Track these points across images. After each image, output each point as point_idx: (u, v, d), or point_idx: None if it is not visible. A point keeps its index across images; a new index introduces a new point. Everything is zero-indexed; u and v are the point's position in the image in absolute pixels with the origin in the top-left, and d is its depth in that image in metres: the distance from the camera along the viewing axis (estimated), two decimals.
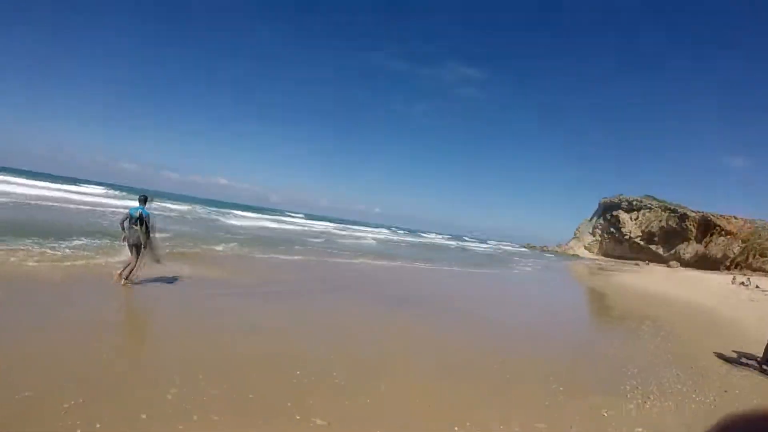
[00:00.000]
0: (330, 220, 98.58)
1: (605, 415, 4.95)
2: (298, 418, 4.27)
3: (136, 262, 9.23)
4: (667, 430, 4.84)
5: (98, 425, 3.75)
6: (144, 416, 4.00)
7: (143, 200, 9.50)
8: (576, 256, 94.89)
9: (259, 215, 61.60)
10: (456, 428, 4.28)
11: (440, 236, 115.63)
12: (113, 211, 26.31)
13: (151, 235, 9.48)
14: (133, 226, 9.18)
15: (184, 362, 5.42)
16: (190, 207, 46.71)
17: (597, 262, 77.53)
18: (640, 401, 5.52)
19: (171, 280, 10.15)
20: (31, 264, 9.60)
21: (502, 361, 6.78)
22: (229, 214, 49.73)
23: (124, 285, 8.83)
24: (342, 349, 6.62)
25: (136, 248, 9.21)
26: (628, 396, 5.69)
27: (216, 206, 69.88)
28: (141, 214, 9.21)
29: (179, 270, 11.20)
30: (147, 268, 9.72)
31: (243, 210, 71.42)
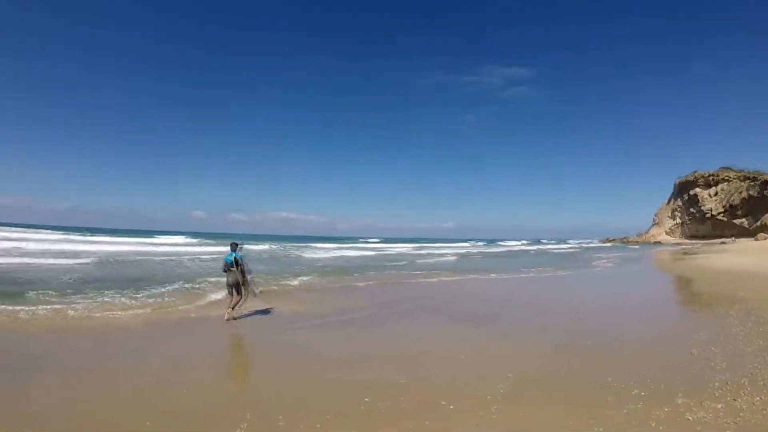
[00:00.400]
0: (406, 241, 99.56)
1: (690, 418, 4.47)
2: None
3: (239, 299, 10.58)
4: (760, 430, 4.32)
5: None
6: None
7: (234, 246, 10.98)
8: (658, 243, 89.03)
9: (336, 245, 63.39)
10: None
11: (519, 242, 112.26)
12: (190, 259, 28.54)
13: (246, 274, 10.82)
14: (231, 269, 10.55)
15: (256, 396, 5.66)
16: (267, 246, 48.36)
17: (681, 246, 72.25)
18: (729, 399, 4.92)
19: (249, 317, 10.81)
20: (115, 314, 10.51)
21: (580, 370, 6.35)
22: (306, 247, 51.23)
23: (228, 321, 10.11)
24: (411, 372, 6.50)
25: (235, 288, 10.55)
26: (716, 394, 5.07)
27: (290, 241, 73.33)
28: (235, 259, 10.60)
29: (258, 306, 11.83)
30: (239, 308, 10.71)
31: (317, 242, 74.34)
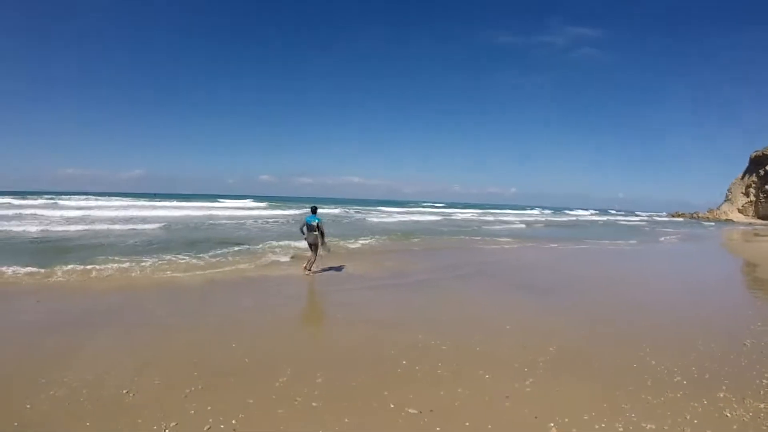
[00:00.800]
0: (471, 207, 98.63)
1: (728, 415, 4.27)
2: (392, 406, 4.42)
3: (314, 257, 11.72)
4: None
5: (209, 408, 4.34)
6: (251, 401, 4.51)
7: (314, 210, 12.00)
8: (730, 221, 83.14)
9: (402, 209, 63.79)
10: (551, 425, 4.08)
11: (587, 212, 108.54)
12: (254, 221, 30.38)
13: (324, 234, 11.91)
14: (311, 230, 11.62)
15: (301, 352, 5.98)
16: (338, 210, 50.74)
17: (753, 226, 67.37)
18: None
19: (317, 274, 11.70)
20: (176, 274, 11.36)
21: (626, 350, 6.17)
22: (374, 211, 52.93)
23: (306, 275, 11.33)
24: (454, 338, 6.58)
25: (314, 247, 11.68)
26: (762, 393, 4.76)
27: (357, 204, 75.25)
28: (316, 222, 11.61)
29: (332, 264, 12.98)
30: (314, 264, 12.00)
31: (383, 205, 76.25)
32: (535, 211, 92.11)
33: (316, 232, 11.66)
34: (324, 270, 12.31)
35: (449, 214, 55.70)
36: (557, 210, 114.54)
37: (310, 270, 11.60)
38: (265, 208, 49.98)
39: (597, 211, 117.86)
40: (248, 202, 63.98)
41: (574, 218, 67.14)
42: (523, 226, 40.43)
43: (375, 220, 37.70)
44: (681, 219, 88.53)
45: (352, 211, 52.98)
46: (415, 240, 21.86)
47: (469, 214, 58.13)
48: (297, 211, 43.62)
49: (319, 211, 12.22)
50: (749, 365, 5.75)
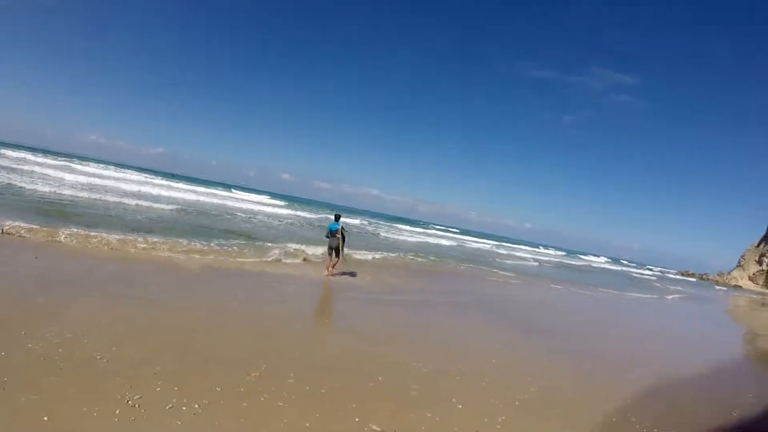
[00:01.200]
0: (486, 237, 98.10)
1: None
2: (356, 420, 4.32)
3: (336, 261, 12.48)
4: None
5: (176, 388, 4.33)
6: (219, 389, 4.47)
7: (337, 218, 12.87)
8: (738, 288, 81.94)
9: (419, 229, 63.50)
10: None
11: (599, 258, 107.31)
12: (259, 218, 29.96)
13: (346, 240, 12.82)
14: (334, 235, 12.40)
15: (280, 351, 5.90)
16: (358, 221, 49.43)
17: (763, 296, 66.13)
18: None
19: (318, 281, 11.52)
20: (176, 255, 11.38)
21: (609, 403, 5.92)
22: (390, 227, 52.19)
23: (328, 276, 12.07)
24: (436, 363, 6.46)
25: (335, 251, 12.40)
26: None
27: (373, 218, 75.70)
28: (340, 229, 12.46)
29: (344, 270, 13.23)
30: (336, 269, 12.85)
31: (398, 222, 76.22)
32: (550, 251, 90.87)
33: (338, 236, 12.42)
34: (350, 273, 13.19)
35: (463, 241, 55.11)
36: (570, 253, 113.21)
37: (332, 270, 12.36)
38: (283, 207, 49.00)
39: (609, 260, 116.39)
40: (265, 198, 63.73)
41: (587, 263, 66.27)
42: (536, 264, 40.01)
43: (391, 236, 37.05)
44: (692, 279, 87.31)
45: (366, 223, 52.31)
46: (422, 261, 21.63)
47: (483, 244, 57.07)
48: (315, 215, 43.83)
49: (341, 219, 12.74)
50: None
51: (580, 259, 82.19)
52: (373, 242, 27.87)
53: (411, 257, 21.58)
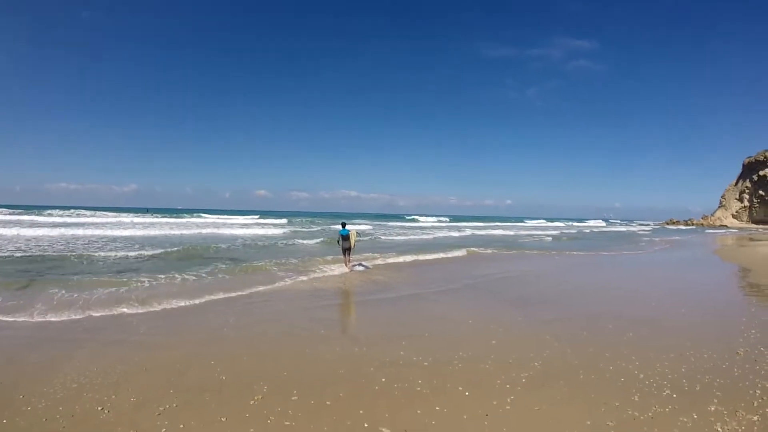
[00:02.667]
0: (474, 220, 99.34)
1: (719, 430, 4.07)
2: (366, 425, 4.30)
3: (349, 257, 15.73)
4: None
5: (181, 426, 4.27)
6: (224, 419, 4.42)
7: (344, 225, 16.37)
8: (724, 227, 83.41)
9: (424, 224, 64.12)
10: None
11: (597, 222, 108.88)
12: (239, 240, 31.05)
13: (355, 242, 16.09)
14: (345, 239, 15.58)
15: (279, 369, 5.83)
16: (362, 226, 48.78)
17: (747, 231, 67.44)
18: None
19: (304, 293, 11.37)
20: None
21: (613, 364, 5.99)
22: (398, 228, 50.83)
23: (350, 270, 15.26)
24: (436, 354, 6.44)
25: (348, 251, 15.67)
26: (755, 404, 4.63)
27: (353, 218, 75.24)
28: (347, 233, 15.68)
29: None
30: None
31: (383, 219, 77.38)
32: (543, 222, 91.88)
33: (349, 241, 15.60)
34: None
35: (460, 228, 53.68)
36: (555, 221, 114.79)
37: (349, 264, 15.62)
38: (279, 226, 47.55)
39: (604, 222, 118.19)
40: (250, 219, 62.76)
41: (587, 230, 65.47)
42: (549, 238, 40.01)
43: (398, 238, 34.33)
44: (674, 227, 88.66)
45: (369, 226, 50.94)
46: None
47: (502, 231, 52.90)
48: (307, 228, 42.82)
49: (351, 227, 15.31)
50: (742, 375, 5.61)
51: (573, 226, 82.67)
52: (379, 245, 27.56)
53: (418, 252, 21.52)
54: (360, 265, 16.28)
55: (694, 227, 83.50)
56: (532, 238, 39.79)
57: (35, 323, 8.02)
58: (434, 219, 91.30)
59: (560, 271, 17.14)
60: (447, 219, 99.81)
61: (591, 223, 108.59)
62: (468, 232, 46.14)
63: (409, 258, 19.45)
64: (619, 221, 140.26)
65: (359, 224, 51.44)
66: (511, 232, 49.11)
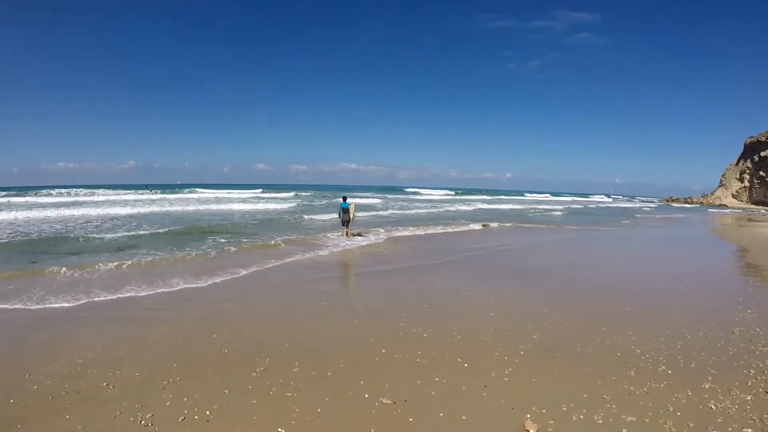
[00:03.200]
0: (476, 192, 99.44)
1: (713, 408, 4.17)
2: (366, 396, 4.38)
3: (348, 227, 16.81)
4: None
5: (185, 399, 4.30)
6: (227, 391, 4.48)
7: (345, 198, 17.34)
8: (723, 206, 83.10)
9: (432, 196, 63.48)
10: (527, 416, 3.98)
11: (606, 197, 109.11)
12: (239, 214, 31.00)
13: (354, 215, 17.30)
14: (344, 212, 16.72)
15: (281, 342, 5.91)
16: (370, 199, 48.47)
17: (747, 212, 67.46)
18: (761, 391, 4.49)
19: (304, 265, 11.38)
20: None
21: (610, 338, 6.09)
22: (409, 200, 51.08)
23: (348, 237, 16.47)
24: (436, 326, 6.52)
25: (347, 223, 16.79)
26: (749, 383, 4.67)
27: (352, 190, 74.37)
28: (347, 206, 16.76)
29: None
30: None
31: (384, 192, 76.07)
32: (565, 198, 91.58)
33: (348, 214, 16.73)
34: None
35: (469, 202, 52.81)
36: (555, 194, 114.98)
37: (348, 233, 16.75)
38: (287, 200, 46.54)
39: (607, 197, 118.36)
40: (250, 192, 61.59)
41: (593, 205, 65.15)
42: (559, 213, 40.10)
43: (410, 212, 33.35)
44: (675, 204, 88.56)
45: (377, 200, 49.88)
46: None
47: (512, 205, 52.02)
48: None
49: (356, 201, 15.93)
50: (737, 354, 5.66)
51: (578, 201, 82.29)
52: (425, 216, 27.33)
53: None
54: (356, 235, 17.23)
55: (696, 206, 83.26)
56: (541, 213, 39.67)
57: (37, 305, 7.98)
58: (442, 192, 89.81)
59: (565, 244, 17.25)
60: (452, 192, 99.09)
61: (596, 198, 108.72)
62: (478, 205, 45.73)
63: (429, 231, 19.83)
64: (621, 197, 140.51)
65: (369, 199, 50.45)
66: (520, 206, 48.86)
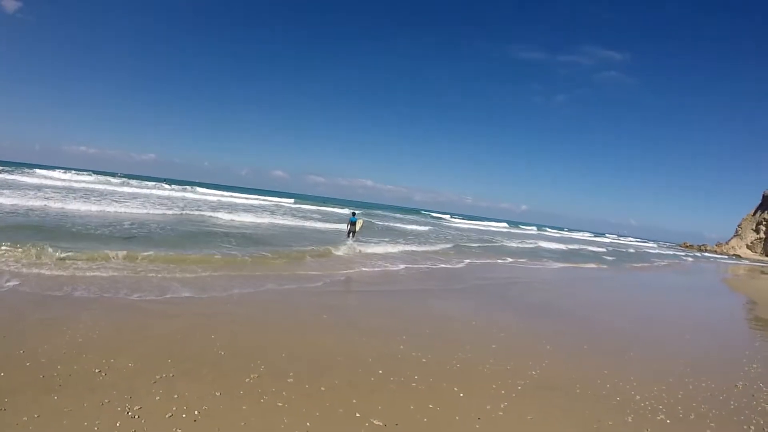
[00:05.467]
0: (492, 221, 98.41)
1: None
2: (357, 415, 4.32)
3: (352, 237, 19.46)
4: None
5: (175, 396, 4.30)
6: (218, 394, 4.46)
7: (353, 213, 21.46)
8: (737, 257, 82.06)
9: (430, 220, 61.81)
10: None
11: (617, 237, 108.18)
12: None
13: (359, 228, 20.36)
14: (352, 224, 19.99)
15: (278, 350, 5.87)
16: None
17: (761, 264, 66.24)
18: None
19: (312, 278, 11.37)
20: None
21: (611, 381, 5.97)
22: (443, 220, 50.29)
23: (354, 241, 18.86)
24: (436, 352, 6.46)
25: (353, 233, 19.76)
26: (744, 427, 4.68)
27: (369, 208, 74.77)
28: (355, 220, 20.29)
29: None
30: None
31: (396, 212, 75.17)
32: (583, 234, 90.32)
33: (355, 226, 19.86)
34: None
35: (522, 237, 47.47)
36: (571, 230, 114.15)
37: (354, 241, 18.75)
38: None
39: (632, 237, 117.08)
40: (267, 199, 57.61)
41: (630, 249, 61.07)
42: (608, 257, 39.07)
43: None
44: (684, 250, 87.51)
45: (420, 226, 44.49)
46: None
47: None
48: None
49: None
50: (738, 409, 5.54)
51: (607, 237, 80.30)
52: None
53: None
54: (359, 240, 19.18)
55: (710, 254, 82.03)
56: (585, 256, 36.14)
57: (48, 276, 8.11)
58: (489, 222, 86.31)
59: (581, 283, 17.07)
60: (506, 224, 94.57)
61: (624, 240, 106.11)
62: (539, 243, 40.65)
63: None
64: (632, 239, 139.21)
65: (412, 225, 43.42)
66: (562, 246, 41.64)
